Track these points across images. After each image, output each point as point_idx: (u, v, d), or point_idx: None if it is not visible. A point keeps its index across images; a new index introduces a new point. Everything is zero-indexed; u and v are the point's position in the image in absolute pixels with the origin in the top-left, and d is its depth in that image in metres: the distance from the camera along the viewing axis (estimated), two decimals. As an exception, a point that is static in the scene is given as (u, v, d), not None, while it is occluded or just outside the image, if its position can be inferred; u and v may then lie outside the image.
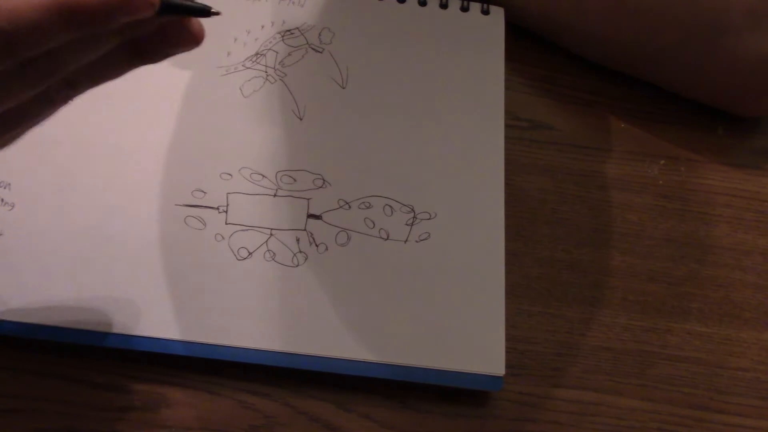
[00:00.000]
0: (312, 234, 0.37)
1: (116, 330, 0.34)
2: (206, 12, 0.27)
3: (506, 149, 0.40)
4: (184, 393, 0.35)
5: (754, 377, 0.38)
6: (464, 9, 0.45)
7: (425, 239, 0.38)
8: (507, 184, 0.40)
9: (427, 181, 0.39)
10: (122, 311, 0.34)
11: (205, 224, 0.37)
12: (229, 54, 0.41)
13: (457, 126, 0.41)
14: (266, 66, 0.41)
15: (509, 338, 0.36)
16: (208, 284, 0.35)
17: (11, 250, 0.35)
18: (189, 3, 0.26)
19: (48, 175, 0.37)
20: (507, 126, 0.41)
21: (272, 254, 0.36)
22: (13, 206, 0.35)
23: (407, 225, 0.38)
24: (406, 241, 0.37)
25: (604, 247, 0.41)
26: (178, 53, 0.26)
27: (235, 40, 0.42)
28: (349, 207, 0.38)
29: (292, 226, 0.37)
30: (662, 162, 0.44)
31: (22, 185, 0.37)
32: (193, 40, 0.26)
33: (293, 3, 0.44)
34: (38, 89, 0.24)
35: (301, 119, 0.40)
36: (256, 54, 0.42)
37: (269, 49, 0.42)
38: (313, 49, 0.42)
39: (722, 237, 0.42)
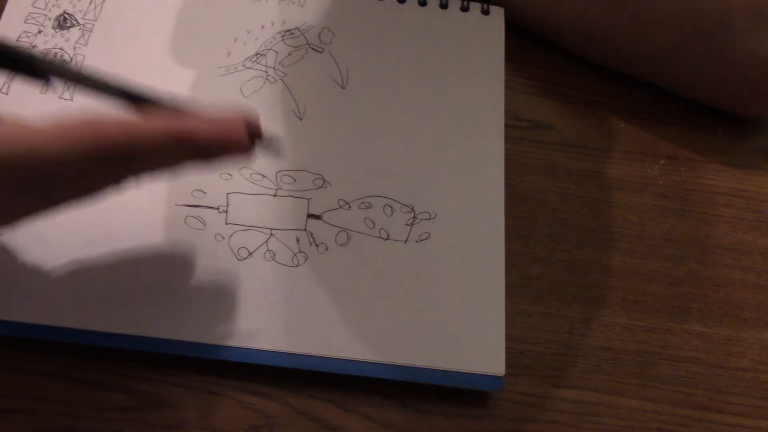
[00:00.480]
0: (312, 234, 0.37)
1: (116, 330, 0.34)
2: (279, 151, 0.32)
3: (506, 149, 0.40)
4: (184, 393, 0.35)
5: (754, 377, 0.38)
6: (464, 9, 0.45)
7: (425, 239, 0.38)
8: (507, 184, 0.40)
9: (427, 181, 0.39)
10: (122, 311, 0.34)
11: (205, 224, 0.37)
12: (229, 54, 0.42)
13: (457, 126, 0.41)
14: (266, 66, 0.41)
15: (509, 338, 0.37)
16: (208, 284, 0.35)
17: (11, 250, 0.35)
18: (269, 139, 0.30)
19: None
20: (507, 126, 0.41)
21: (272, 254, 0.36)
22: (13, 206, 0.35)
23: (407, 225, 0.38)
24: (406, 241, 0.37)
25: (604, 247, 0.41)
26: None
27: (235, 40, 0.42)
28: (349, 207, 0.38)
29: (292, 226, 0.37)
30: (662, 162, 0.44)
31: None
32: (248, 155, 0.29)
33: (293, 3, 0.44)
34: (119, 185, 0.27)
35: (301, 119, 0.40)
36: (256, 54, 0.42)
37: (269, 49, 0.42)
38: (313, 49, 0.42)
39: (722, 237, 0.42)
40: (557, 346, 0.38)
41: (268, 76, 0.41)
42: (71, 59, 0.40)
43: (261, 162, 0.38)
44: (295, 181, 0.38)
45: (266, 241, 0.37)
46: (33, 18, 0.41)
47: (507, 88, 0.42)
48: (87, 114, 0.25)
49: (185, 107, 0.28)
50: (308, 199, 0.38)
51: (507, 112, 0.42)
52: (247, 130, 0.28)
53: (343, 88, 0.41)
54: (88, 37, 0.41)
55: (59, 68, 0.26)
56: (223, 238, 0.36)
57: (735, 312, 0.40)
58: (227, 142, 0.27)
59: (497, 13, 0.45)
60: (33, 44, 0.41)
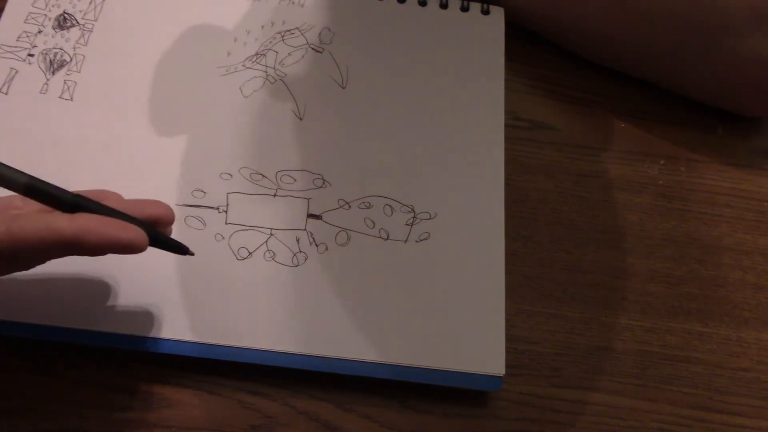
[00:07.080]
0: (312, 234, 0.37)
1: (116, 330, 0.34)
2: (184, 251, 0.32)
3: (506, 149, 0.40)
4: (184, 393, 0.35)
5: (754, 377, 0.38)
6: (464, 9, 0.45)
7: (425, 239, 0.38)
8: (507, 184, 0.40)
9: (427, 181, 0.39)
10: (122, 311, 0.34)
11: (205, 224, 0.37)
12: (229, 54, 0.42)
13: (457, 126, 0.41)
14: (266, 66, 0.41)
15: (509, 338, 0.36)
16: (208, 284, 0.35)
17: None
18: (171, 241, 0.31)
19: (48, 175, 0.37)
20: (507, 126, 0.41)
21: (272, 254, 0.36)
22: (13, 206, 0.35)
23: (407, 225, 0.38)
24: (406, 241, 0.37)
25: (604, 247, 0.41)
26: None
27: (235, 40, 0.42)
28: (349, 207, 0.38)
29: (292, 226, 0.37)
30: (662, 162, 0.44)
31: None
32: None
33: (293, 3, 0.44)
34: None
35: (301, 119, 0.40)
36: (256, 54, 0.42)
37: (269, 49, 0.42)
38: (313, 49, 0.42)
39: (722, 237, 0.42)
40: (557, 346, 0.38)
41: (268, 76, 0.41)
42: (71, 59, 0.40)
43: (261, 162, 0.38)
44: (295, 181, 0.38)
45: (266, 241, 0.37)
46: (33, 18, 0.41)
47: (507, 88, 0.42)
48: None
49: (99, 208, 0.29)
50: (308, 199, 0.38)
51: (507, 112, 0.42)
52: (152, 225, 0.30)
53: (343, 88, 0.41)
54: (88, 37, 0.41)
55: None
56: (223, 238, 0.36)
57: (735, 312, 0.40)
58: (117, 245, 0.28)
59: (497, 13, 0.45)
60: (33, 44, 0.41)
